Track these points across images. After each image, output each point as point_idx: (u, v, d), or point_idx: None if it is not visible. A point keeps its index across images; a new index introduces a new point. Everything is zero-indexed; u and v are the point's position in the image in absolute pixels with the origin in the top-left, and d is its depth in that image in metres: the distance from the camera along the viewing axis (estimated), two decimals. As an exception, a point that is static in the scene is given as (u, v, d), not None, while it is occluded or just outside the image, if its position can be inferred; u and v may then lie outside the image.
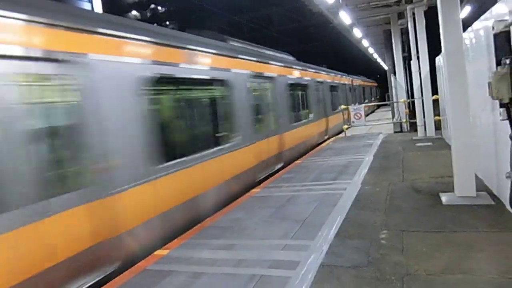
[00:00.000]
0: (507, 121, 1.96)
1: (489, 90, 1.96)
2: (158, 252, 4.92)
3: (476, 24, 5.70)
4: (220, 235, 5.26)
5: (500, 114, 2.01)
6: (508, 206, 2.02)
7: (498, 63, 1.97)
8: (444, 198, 5.61)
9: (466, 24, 6.14)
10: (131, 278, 4.24)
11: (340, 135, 16.37)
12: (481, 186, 5.80)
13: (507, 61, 1.85)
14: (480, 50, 5.30)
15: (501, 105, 1.96)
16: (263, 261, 4.22)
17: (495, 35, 2.11)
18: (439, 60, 10.08)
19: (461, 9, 14.00)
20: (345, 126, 16.24)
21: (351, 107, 15.99)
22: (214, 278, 3.98)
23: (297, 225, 5.27)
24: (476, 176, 5.85)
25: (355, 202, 6.06)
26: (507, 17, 1.85)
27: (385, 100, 26.95)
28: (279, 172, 9.38)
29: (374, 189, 6.73)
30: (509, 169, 1.99)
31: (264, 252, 4.46)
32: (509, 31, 1.98)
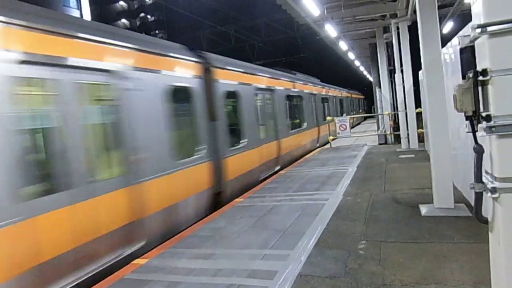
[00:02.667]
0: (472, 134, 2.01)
1: (454, 103, 2.02)
2: (137, 261, 4.87)
3: (455, 40, 5.84)
4: (200, 244, 5.23)
5: (466, 126, 2.06)
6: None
7: (464, 77, 2.03)
8: (423, 209, 5.68)
9: (450, 39, 6.30)
10: (109, 286, 4.19)
11: (326, 146, 16.49)
12: (459, 198, 5.90)
13: (471, 75, 1.91)
14: (457, 64, 5.43)
15: (466, 118, 2.02)
16: (241, 270, 4.20)
17: (461, 50, 2.18)
18: (421, 74, 10.28)
19: (444, 24, 14.41)
20: (331, 138, 16.38)
21: (336, 119, 16.13)
22: (191, 288, 3.95)
23: (277, 234, 5.28)
24: (455, 188, 5.95)
25: (336, 212, 6.10)
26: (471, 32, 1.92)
27: (371, 112, 27.38)
28: (263, 182, 9.40)
29: (356, 199, 6.78)
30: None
31: (243, 262, 4.44)
32: (473, 46, 2.05)
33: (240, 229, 5.72)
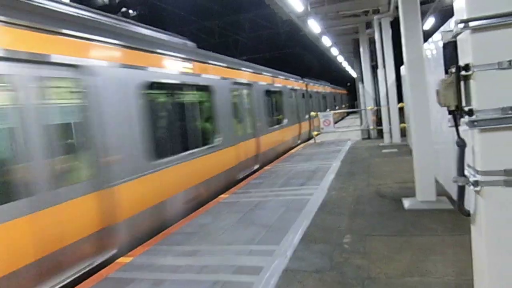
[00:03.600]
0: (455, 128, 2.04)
1: (437, 98, 2.04)
2: (121, 259, 4.81)
3: (436, 35, 5.92)
4: (185, 241, 5.20)
5: (448, 121, 2.09)
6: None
7: (446, 72, 2.05)
8: (406, 203, 5.76)
9: (431, 35, 6.38)
10: (92, 286, 4.13)
11: (310, 141, 16.58)
12: (441, 191, 6.00)
13: (453, 70, 1.93)
14: (439, 60, 5.50)
15: (449, 112, 2.04)
16: (227, 266, 4.20)
17: (444, 45, 2.21)
18: (403, 69, 10.39)
19: (425, 20, 14.59)
20: (315, 133, 16.47)
21: (320, 114, 16.22)
22: (176, 285, 3.92)
23: (263, 230, 5.28)
24: (437, 182, 6.05)
25: (321, 207, 6.14)
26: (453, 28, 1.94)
27: (354, 107, 27.74)
28: (248, 178, 9.39)
29: (340, 194, 6.84)
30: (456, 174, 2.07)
31: (229, 258, 4.43)
32: (455, 41, 2.07)
33: (225, 225, 5.71)
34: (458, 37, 2.05)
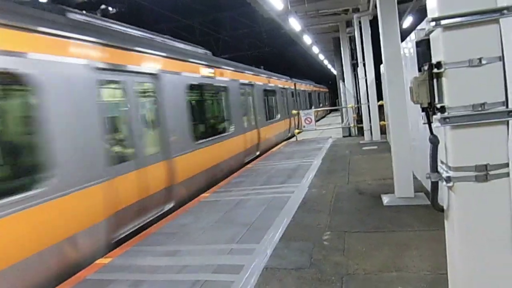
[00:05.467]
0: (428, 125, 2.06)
1: (410, 95, 2.06)
2: (100, 260, 4.73)
3: (413, 34, 6.01)
4: (165, 241, 5.14)
5: (422, 118, 2.11)
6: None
7: (420, 70, 2.08)
8: (385, 199, 5.84)
9: (409, 34, 6.47)
10: (70, 288, 4.05)
11: (292, 139, 16.65)
12: (419, 187, 6.10)
13: (426, 68, 1.95)
14: (415, 58, 5.59)
15: (422, 109, 2.07)
16: (207, 266, 4.17)
17: (417, 43, 2.23)
18: (383, 67, 10.53)
19: (404, 19, 14.80)
20: (297, 131, 16.55)
21: (302, 112, 16.30)
22: (156, 286, 3.88)
23: (244, 229, 5.27)
24: (415, 178, 6.15)
25: (301, 204, 6.17)
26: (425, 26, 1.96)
27: (336, 105, 28.22)
28: (229, 177, 9.36)
29: (320, 191, 6.88)
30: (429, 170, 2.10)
31: (209, 257, 4.41)
32: (429, 39, 2.09)
33: (206, 224, 5.67)
34: (431, 35, 2.08)
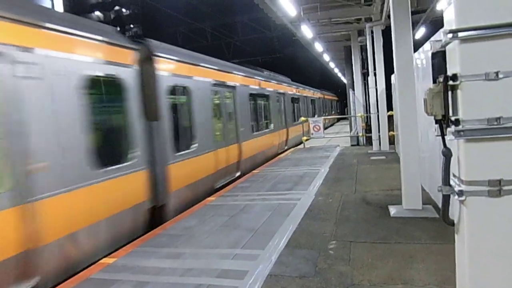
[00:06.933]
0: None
1: (424, 107, 2.04)
2: (105, 260, 4.74)
3: (426, 45, 5.98)
4: (170, 243, 5.14)
5: (435, 130, 2.09)
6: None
7: (434, 81, 2.06)
8: (392, 210, 5.79)
9: (421, 44, 6.45)
10: (74, 287, 4.05)
11: (299, 146, 16.61)
12: (427, 199, 6.04)
13: (441, 79, 1.94)
14: (428, 69, 5.55)
15: (436, 121, 2.05)
16: (211, 270, 4.15)
17: (433, 54, 2.22)
18: (394, 77, 10.49)
19: (416, 30, 14.76)
20: (304, 138, 16.52)
21: (310, 120, 16.28)
22: (159, 288, 3.87)
23: (249, 234, 5.25)
24: (424, 190, 6.09)
25: (307, 212, 6.13)
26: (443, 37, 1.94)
27: (345, 114, 28.22)
28: (236, 181, 9.36)
29: (327, 200, 6.84)
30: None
31: (213, 261, 4.39)
32: (445, 51, 2.08)
33: (211, 228, 5.66)
34: (447, 47, 2.07)
